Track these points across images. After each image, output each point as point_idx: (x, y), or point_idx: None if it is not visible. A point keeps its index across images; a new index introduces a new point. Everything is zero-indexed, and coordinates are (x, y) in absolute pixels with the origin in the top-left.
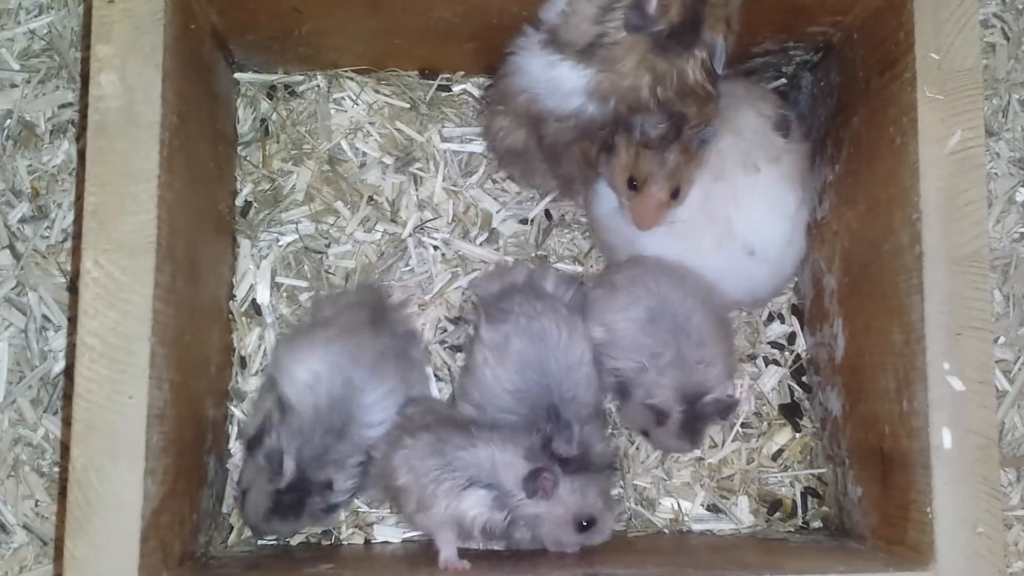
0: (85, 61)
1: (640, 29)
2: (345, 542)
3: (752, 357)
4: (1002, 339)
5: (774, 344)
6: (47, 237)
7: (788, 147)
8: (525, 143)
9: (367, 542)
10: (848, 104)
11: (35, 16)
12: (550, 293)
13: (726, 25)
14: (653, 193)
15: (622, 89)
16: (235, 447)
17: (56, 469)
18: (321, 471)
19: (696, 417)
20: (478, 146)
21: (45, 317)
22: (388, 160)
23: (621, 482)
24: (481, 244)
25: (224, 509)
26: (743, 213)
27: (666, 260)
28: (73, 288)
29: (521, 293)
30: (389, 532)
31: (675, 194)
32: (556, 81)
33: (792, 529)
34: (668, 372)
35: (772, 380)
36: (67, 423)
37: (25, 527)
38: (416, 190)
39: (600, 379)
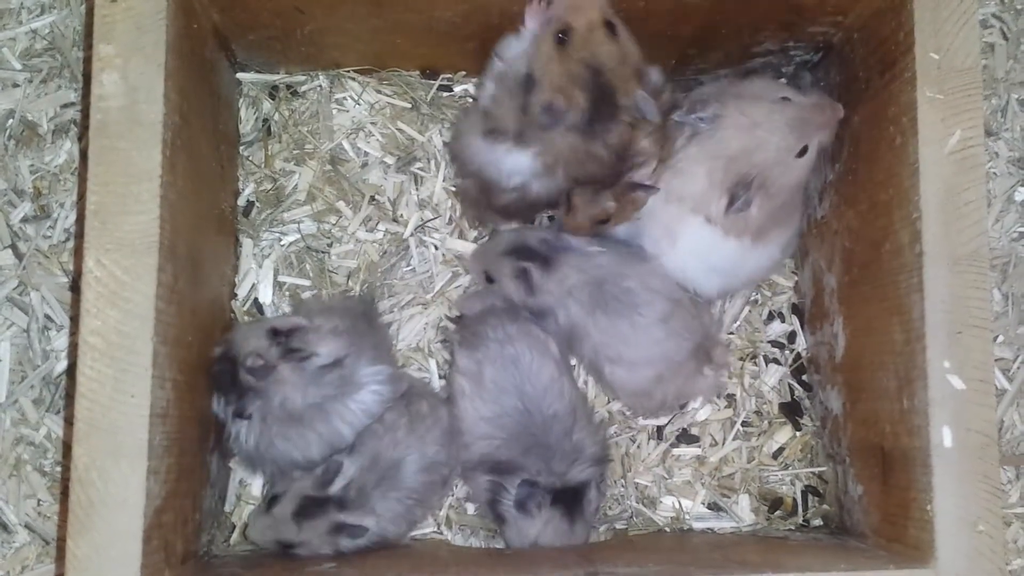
0: (87, 60)
1: (556, 126)
2: None
3: (752, 356)
4: (1001, 338)
5: (774, 343)
6: (49, 237)
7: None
8: (477, 197)
9: None
10: (848, 104)
11: (37, 16)
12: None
13: (637, 78)
14: (576, 218)
15: (565, 161)
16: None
17: (58, 468)
18: None
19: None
20: None
21: (47, 316)
22: (389, 160)
23: (622, 480)
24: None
25: (226, 508)
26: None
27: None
28: (75, 287)
29: (495, 316)
30: None
31: (604, 221)
32: (498, 163)
33: (793, 527)
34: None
35: (772, 379)
36: (69, 422)
37: (27, 526)
38: (417, 190)
39: (574, 382)
